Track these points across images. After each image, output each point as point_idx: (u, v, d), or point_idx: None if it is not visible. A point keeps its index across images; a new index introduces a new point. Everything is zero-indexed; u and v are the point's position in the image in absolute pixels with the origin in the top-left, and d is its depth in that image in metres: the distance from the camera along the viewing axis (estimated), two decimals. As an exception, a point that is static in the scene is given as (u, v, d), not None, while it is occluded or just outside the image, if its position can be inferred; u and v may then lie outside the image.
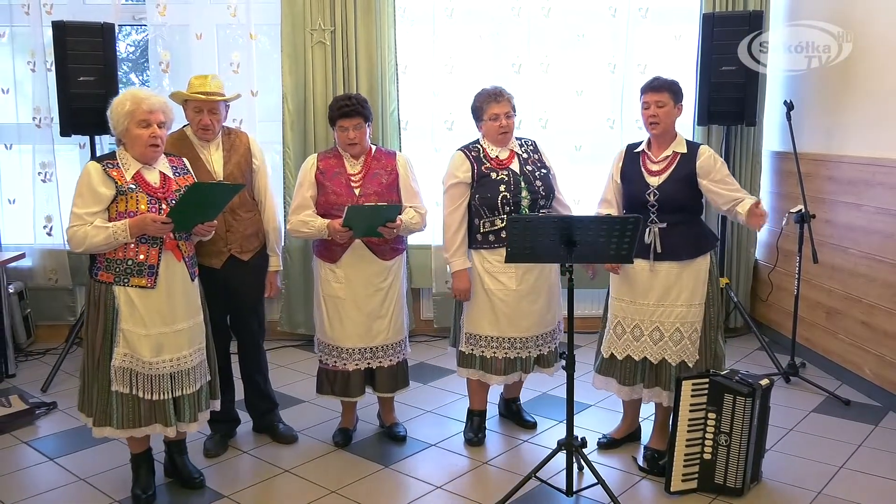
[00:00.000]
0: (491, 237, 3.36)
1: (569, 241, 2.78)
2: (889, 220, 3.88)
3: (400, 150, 4.82)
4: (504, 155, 3.40)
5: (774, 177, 5.05)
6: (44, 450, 3.54)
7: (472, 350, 3.45)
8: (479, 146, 3.43)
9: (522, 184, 3.34)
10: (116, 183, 2.79)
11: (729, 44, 4.49)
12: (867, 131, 4.10)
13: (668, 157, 3.17)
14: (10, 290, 4.80)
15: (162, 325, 2.85)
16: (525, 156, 3.43)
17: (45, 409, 3.95)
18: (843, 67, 4.26)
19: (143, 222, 2.76)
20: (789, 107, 4.24)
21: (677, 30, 5.01)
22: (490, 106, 3.36)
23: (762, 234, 5.17)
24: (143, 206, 2.80)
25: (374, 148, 3.45)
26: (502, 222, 3.32)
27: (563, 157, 5.04)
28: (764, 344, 4.63)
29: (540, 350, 3.48)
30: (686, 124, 4.98)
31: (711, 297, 3.18)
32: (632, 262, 2.94)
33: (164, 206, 2.83)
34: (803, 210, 4.07)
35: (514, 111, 3.43)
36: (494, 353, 3.41)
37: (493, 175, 3.34)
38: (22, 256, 4.41)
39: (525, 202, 3.33)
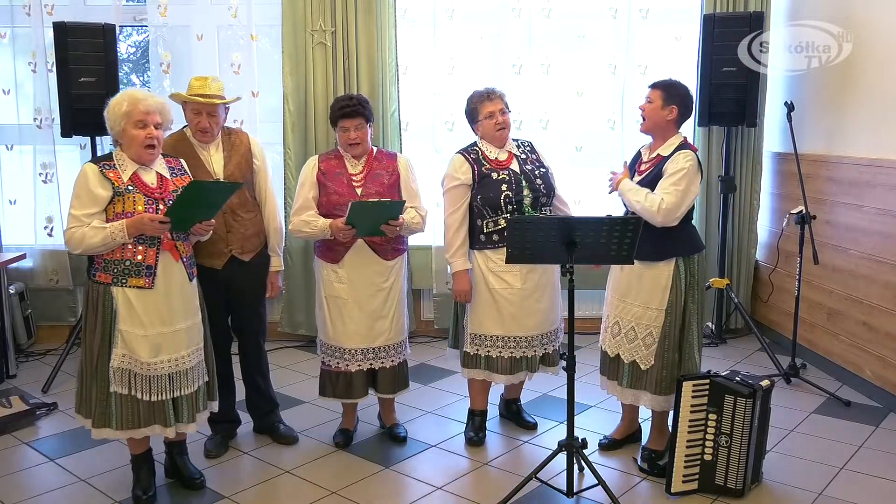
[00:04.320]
0: (495, 237, 3.37)
1: (569, 241, 2.78)
2: (890, 221, 3.87)
3: (401, 151, 4.82)
4: (503, 157, 3.41)
5: (775, 178, 5.05)
6: (44, 450, 3.54)
7: (478, 350, 3.45)
8: (477, 148, 3.44)
9: (524, 182, 3.36)
10: (113, 184, 2.79)
11: (729, 45, 4.50)
12: (868, 132, 4.10)
13: (653, 158, 3.20)
14: (11, 291, 4.81)
15: (160, 326, 2.85)
16: (523, 156, 3.45)
17: (45, 409, 3.95)
18: (844, 67, 4.26)
19: (140, 222, 2.75)
20: (790, 108, 4.24)
21: (678, 31, 5.01)
22: (484, 105, 3.40)
23: (763, 235, 5.18)
24: (140, 207, 2.79)
25: (375, 149, 3.46)
26: (506, 221, 3.33)
27: (564, 158, 5.05)
28: (764, 345, 4.63)
29: (545, 349, 3.49)
30: (687, 125, 4.97)
31: (672, 306, 3.11)
32: (632, 263, 2.94)
33: (161, 207, 2.83)
34: (804, 211, 4.08)
35: (508, 109, 3.45)
36: (500, 352, 3.41)
37: (495, 175, 3.36)
38: (23, 257, 4.41)
39: (527, 200, 3.34)
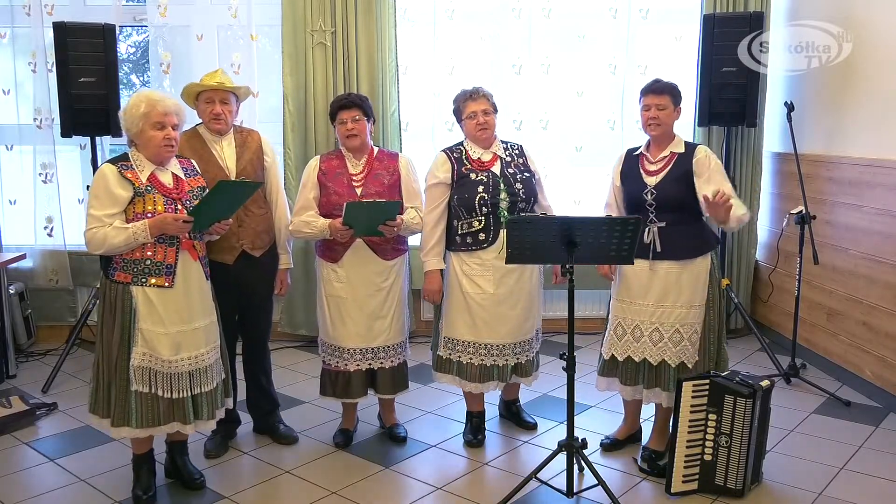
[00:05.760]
0: (469, 239, 3.35)
1: (569, 241, 2.78)
2: (890, 221, 3.87)
3: (401, 151, 4.82)
4: (487, 157, 3.39)
5: (775, 178, 5.05)
6: (44, 451, 3.54)
7: (450, 355, 3.44)
8: (461, 147, 3.43)
9: (501, 185, 3.33)
10: (133, 184, 2.81)
11: (729, 45, 4.49)
12: (867, 132, 4.10)
13: (665, 157, 3.19)
14: (11, 291, 4.81)
15: (180, 324, 2.87)
16: (508, 159, 3.42)
17: (45, 409, 3.95)
18: (844, 67, 4.26)
19: (163, 222, 2.78)
20: (790, 108, 4.24)
21: (678, 31, 5.01)
22: (467, 104, 3.38)
23: (763, 235, 5.18)
24: (160, 207, 2.83)
25: (376, 149, 3.46)
26: (479, 224, 3.32)
27: (564, 158, 5.05)
28: (764, 345, 4.63)
29: (518, 358, 3.45)
30: (687, 125, 5.00)
31: (712, 299, 3.18)
32: (632, 263, 2.94)
33: (179, 207, 2.86)
34: (804, 211, 4.08)
35: (495, 109, 3.42)
36: (471, 359, 3.39)
37: (473, 176, 3.34)
38: (23, 257, 4.41)
39: (503, 204, 3.32)
